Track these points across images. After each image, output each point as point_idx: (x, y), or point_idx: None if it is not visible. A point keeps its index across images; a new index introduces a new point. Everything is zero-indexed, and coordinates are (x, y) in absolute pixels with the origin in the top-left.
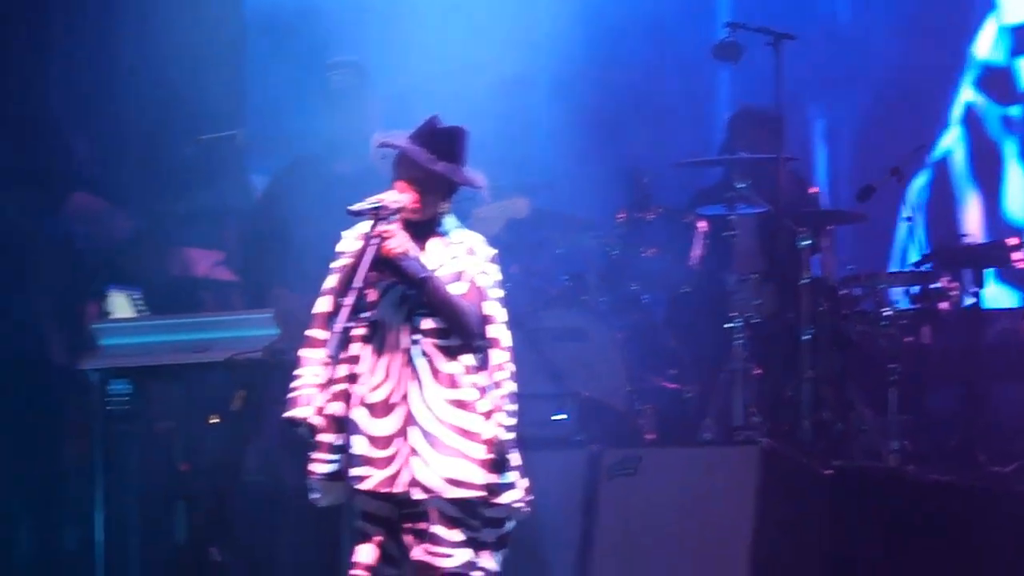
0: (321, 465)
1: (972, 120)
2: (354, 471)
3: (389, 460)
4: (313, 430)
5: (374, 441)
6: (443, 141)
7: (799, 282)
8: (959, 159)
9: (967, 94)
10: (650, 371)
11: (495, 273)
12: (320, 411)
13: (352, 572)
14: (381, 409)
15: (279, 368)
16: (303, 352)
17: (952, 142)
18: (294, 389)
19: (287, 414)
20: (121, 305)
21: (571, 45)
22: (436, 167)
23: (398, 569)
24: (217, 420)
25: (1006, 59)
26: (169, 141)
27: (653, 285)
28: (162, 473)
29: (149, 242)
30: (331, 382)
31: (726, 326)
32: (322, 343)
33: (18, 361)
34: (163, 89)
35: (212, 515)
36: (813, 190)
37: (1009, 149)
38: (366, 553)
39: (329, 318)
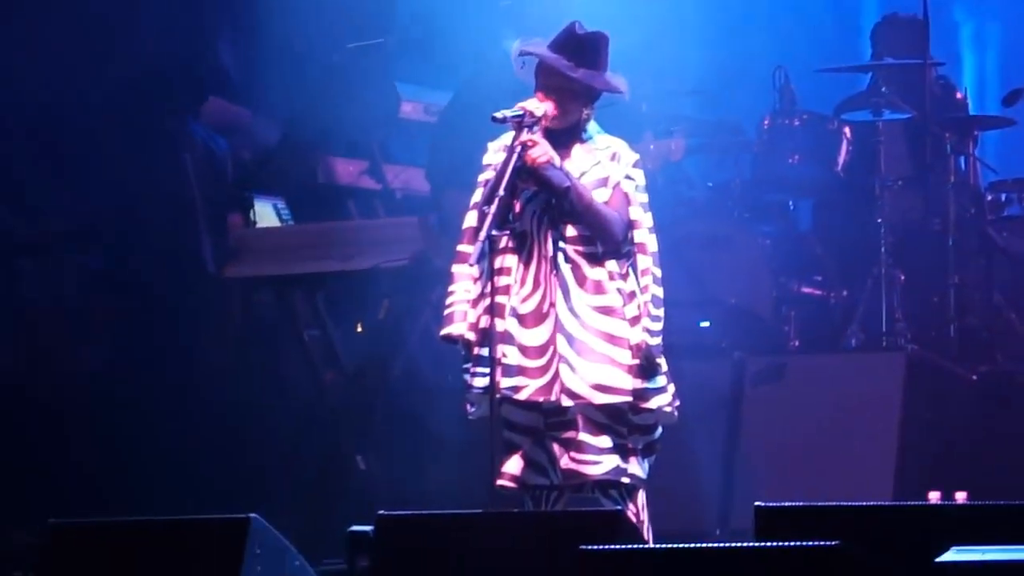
0: (479, 379)
1: None
2: (508, 382)
3: (544, 369)
4: (469, 345)
5: (526, 351)
6: (583, 47)
7: (945, 188)
8: None
9: None
10: (795, 278)
11: (640, 178)
12: (474, 326)
13: (499, 482)
14: (532, 319)
15: (424, 276)
16: (454, 268)
17: None
18: (448, 305)
19: (443, 332)
20: (266, 214)
21: None
22: (575, 74)
23: (546, 478)
24: (362, 329)
25: None
26: (316, 49)
27: (798, 191)
28: (307, 382)
29: (295, 151)
30: (481, 295)
31: (871, 232)
32: (469, 256)
33: (172, 268)
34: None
35: (357, 424)
36: (959, 95)
37: None
38: (513, 463)
39: (477, 232)
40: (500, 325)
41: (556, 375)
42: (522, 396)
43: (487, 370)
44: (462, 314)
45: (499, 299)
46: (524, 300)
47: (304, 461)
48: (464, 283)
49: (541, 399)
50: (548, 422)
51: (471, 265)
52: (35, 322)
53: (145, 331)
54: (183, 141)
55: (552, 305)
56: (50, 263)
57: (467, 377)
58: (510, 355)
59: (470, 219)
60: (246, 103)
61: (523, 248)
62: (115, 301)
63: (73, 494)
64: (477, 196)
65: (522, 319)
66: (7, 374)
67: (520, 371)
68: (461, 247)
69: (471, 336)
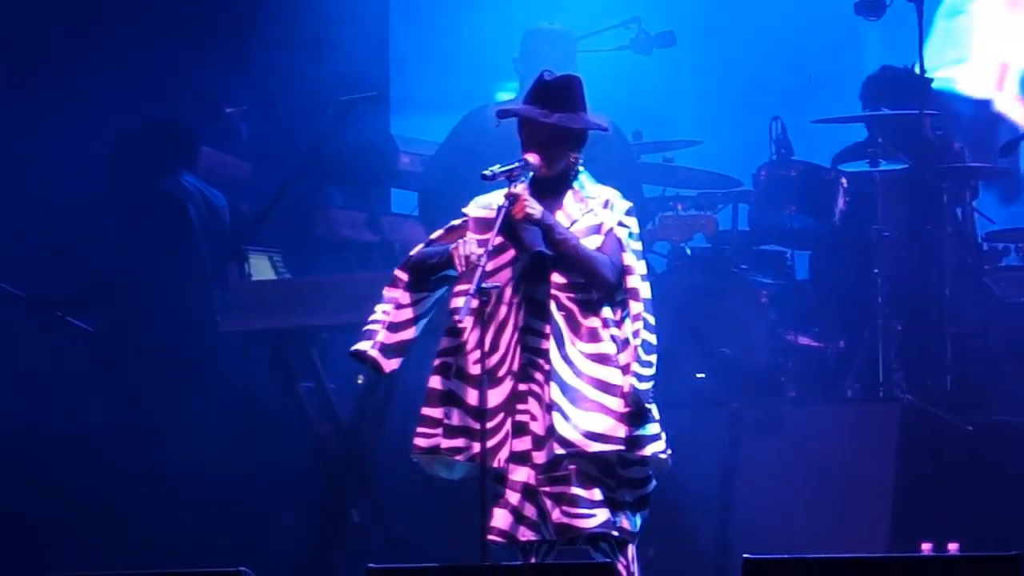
0: (421, 439)
1: None
2: (449, 443)
3: (491, 433)
4: (376, 365)
5: (475, 413)
6: (555, 92)
7: (942, 238)
8: None
9: None
10: (792, 328)
11: (634, 226)
12: (381, 345)
13: (489, 537)
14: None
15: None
16: (385, 290)
17: None
18: (367, 323)
19: (352, 348)
20: (262, 267)
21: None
22: (550, 120)
23: (537, 533)
24: (362, 380)
25: None
26: (312, 102)
27: (795, 242)
28: (301, 435)
29: (293, 203)
30: (440, 353)
31: (869, 283)
32: (403, 283)
33: (177, 323)
34: (302, 50)
35: (351, 477)
36: (957, 146)
37: None
38: (502, 517)
39: (411, 262)
40: (445, 385)
41: (505, 440)
42: (463, 457)
43: (431, 431)
44: (371, 333)
45: (445, 359)
46: (476, 362)
47: (299, 514)
48: (385, 305)
49: (479, 462)
50: (540, 477)
51: (457, 320)
52: (35, 383)
53: (144, 387)
54: (182, 195)
55: (510, 373)
56: (51, 326)
57: (414, 438)
58: (453, 416)
59: (415, 249)
60: (245, 156)
61: (486, 310)
62: (115, 360)
63: (72, 550)
64: (437, 234)
65: (470, 380)
66: (8, 436)
67: (463, 432)
68: (396, 271)
69: (374, 354)
